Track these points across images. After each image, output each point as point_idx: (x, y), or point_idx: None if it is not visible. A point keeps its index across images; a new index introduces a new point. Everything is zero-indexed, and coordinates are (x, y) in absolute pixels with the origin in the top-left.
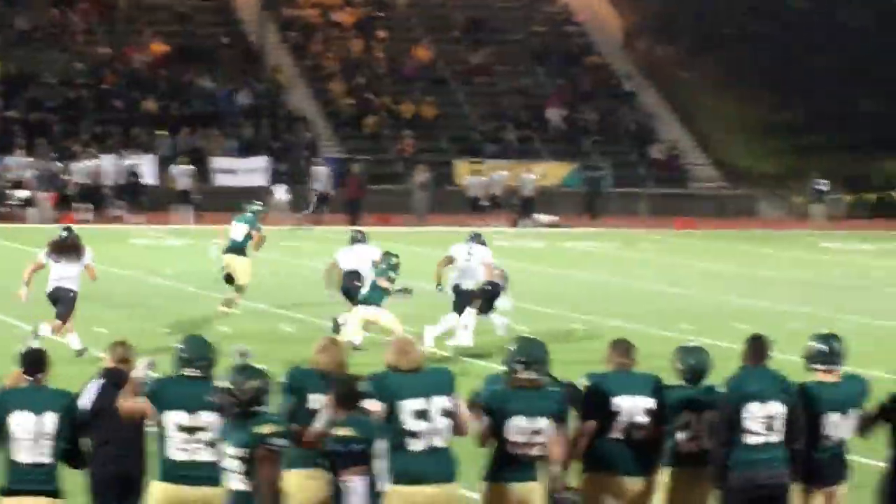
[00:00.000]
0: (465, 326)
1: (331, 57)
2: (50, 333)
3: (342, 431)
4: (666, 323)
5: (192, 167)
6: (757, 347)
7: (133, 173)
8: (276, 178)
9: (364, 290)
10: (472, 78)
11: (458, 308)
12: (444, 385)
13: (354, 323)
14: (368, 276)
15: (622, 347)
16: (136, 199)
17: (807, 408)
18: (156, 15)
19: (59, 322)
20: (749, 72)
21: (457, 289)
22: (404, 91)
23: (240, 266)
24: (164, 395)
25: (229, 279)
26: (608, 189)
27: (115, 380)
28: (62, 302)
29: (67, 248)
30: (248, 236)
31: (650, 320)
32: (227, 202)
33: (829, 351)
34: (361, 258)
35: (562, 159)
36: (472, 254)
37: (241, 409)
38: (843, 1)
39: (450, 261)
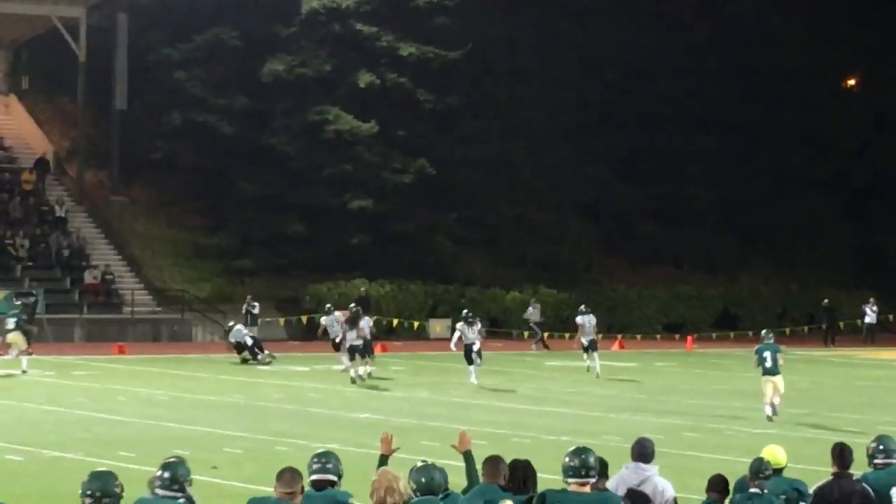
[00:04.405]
0: None
1: None
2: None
3: None
4: (104, 450)
5: None
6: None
7: None
8: None
9: None
10: None
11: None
12: None
13: None
14: None
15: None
16: None
17: None
18: None
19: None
20: (180, 196)
21: None
22: None
23: (780, 383)
24: None
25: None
26: (41, 316)
27: None
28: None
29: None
30: (776, 361)
31: (88, 448)
32: None
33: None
34: None
35: None
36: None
37: None
38: (271, 126)
39: None
